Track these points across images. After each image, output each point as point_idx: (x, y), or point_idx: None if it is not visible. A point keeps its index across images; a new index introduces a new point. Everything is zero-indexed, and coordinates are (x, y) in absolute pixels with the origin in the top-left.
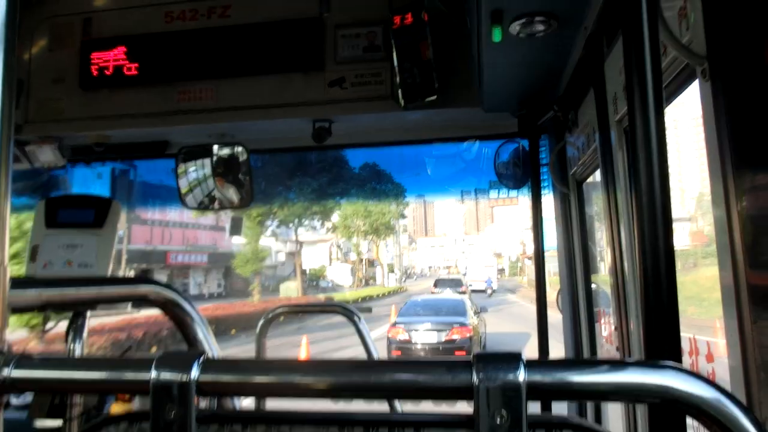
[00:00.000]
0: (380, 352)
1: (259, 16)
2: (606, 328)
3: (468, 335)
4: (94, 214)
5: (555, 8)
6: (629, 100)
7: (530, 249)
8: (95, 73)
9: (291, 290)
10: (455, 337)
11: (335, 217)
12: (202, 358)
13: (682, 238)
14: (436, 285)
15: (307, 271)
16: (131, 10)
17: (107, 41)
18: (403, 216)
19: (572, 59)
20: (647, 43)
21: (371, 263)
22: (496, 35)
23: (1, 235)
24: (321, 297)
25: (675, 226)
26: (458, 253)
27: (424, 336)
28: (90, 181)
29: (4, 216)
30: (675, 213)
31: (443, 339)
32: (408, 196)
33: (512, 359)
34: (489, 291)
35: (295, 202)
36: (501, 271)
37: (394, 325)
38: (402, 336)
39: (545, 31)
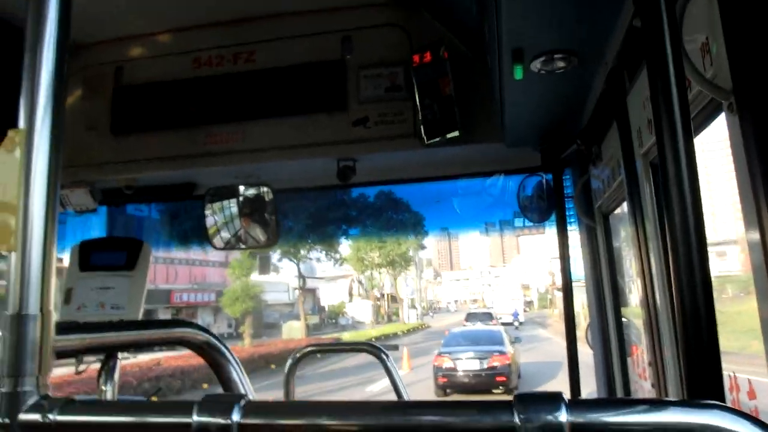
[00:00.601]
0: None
1: (283, 60)
2: (639, 363)
3: (507, 362)
4: (125, 257)
5: (575, 46)
6: (658, 135)
7: (559, 280)
8: (126, 119)
9: (295, 330)
10: (495, 364)
11: (346, 249)
12: (243, 402)
13: (729, 264)
14: (467, 319)
15: (326, 308)
16: (160, 57)
17: (138, 88)
18: (422, 247)
19: (594, 94)
20: (673, 78)
21: (393, 299)
22: (518, 73)
23: (47, 282)
24: (345, 336)
25: (720, 249)
26: (484, 285)
27: (468, 364)
28: (86, 217)
29: (51, 263)
30: (719, 236)
31: (485, 366)
32: (430, 230)
33: (554, 399)
34: (516, 323)
35: (291, 230)
36: (529, 303)
37: (440, 354)
38: (447, 364)
39: (566, 67)
